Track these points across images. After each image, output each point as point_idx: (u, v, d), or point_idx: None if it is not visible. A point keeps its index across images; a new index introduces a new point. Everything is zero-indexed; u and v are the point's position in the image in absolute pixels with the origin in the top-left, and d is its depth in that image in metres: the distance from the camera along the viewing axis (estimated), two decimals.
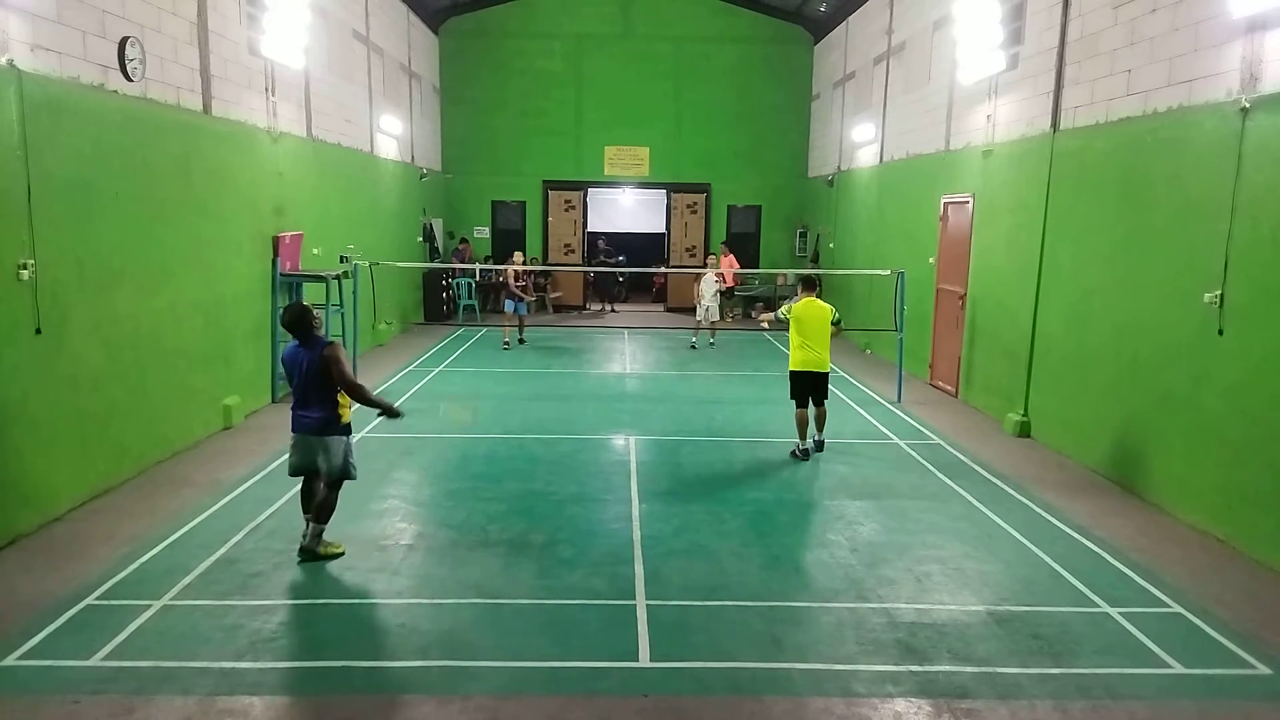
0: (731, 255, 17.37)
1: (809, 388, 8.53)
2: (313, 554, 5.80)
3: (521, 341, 15.05)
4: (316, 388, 5.73)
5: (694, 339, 15.23)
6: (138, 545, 5.98)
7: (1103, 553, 6.23)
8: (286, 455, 5.99)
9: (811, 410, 8.59)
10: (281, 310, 6.09)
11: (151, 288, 7.70)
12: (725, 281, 15.19)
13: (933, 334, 12.11)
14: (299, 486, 6.07)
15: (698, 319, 14.96)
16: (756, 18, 19.74)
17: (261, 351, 10.05)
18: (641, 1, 19.70)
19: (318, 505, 5.87)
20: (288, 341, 5.96)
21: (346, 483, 5.98)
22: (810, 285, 8.84)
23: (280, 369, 10.22)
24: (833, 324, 8.49)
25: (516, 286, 14.63)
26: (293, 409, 5.91)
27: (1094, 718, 4.22)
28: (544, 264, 19.86)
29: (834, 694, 4.40)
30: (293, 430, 5.91)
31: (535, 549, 6.12)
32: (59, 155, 6.43)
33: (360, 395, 5.84)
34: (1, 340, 5.88)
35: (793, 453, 8.53)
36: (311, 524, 5.85)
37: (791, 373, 8.58)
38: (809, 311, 8.46)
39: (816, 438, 8.59)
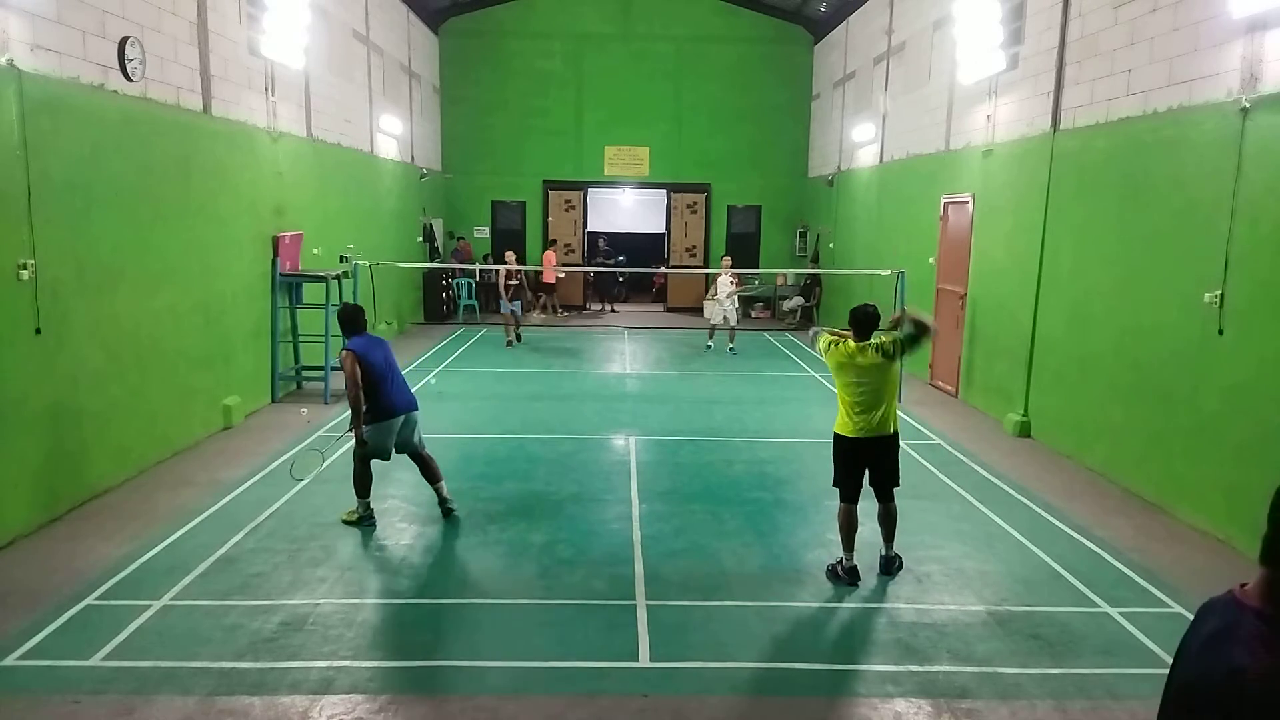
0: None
1: (862, 465, 5.58)
2: (448, 505, 6.64)
3: (517, 340, 15.04)
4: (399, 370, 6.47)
5: (709, 342, 15.06)
6: (138, 545, 5.98)
7: (1103, 553, 6.23)
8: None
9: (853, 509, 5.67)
10: (340, 308, 6.65)
11: (151, 288, 7.70)
12: (738, 283, 15.05)
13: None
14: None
15: (712, 321, 14.83)
16: (756, 18, 19.73)
17: (261, 351, 10.04)
18: (641, 1, 19.69)
19: (433, 471, 6.65)
20: (351, 338, 6.39)
21: (341, 486, 6.27)
22: (863, 324, 5.54)
23: (280, 369, 10.39)
24: (890, 351, 5.44)
25: (508, 285, 14.75)
26: (391, 394, 6.36)
27: (1094, 718, 4.21)
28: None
29: (834, 694, 4.40)
30: (394, 414, 6.39)
31: (535, 549, 6.12)
32: (59, 155, 6.43)
33: None
34: (1, 340, 5.88)
35: (832, 569, 5.67)
36: (436, 485, 6.65)
37: (836, 438, 5.64)
38: (858, 362, 5.46)
39: (884, 552, 5.74)
